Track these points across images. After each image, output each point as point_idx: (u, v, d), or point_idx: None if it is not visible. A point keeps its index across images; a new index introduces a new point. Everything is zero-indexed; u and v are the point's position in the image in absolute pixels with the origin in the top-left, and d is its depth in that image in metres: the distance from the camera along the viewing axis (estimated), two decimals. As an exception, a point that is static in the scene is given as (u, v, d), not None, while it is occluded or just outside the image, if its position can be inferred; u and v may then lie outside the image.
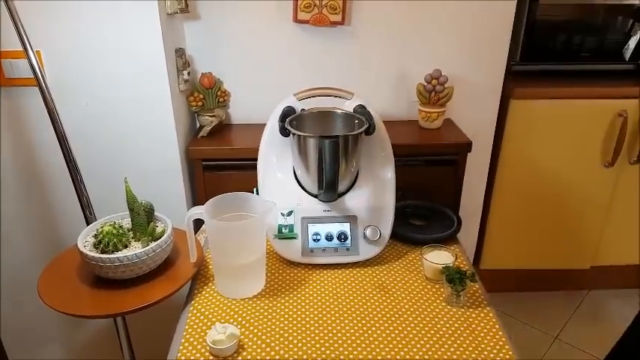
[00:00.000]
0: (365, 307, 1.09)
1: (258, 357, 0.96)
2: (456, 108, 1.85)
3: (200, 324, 1.04)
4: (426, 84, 1.73)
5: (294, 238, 1.23)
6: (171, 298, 1.10)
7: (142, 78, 1.46)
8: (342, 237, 1.23)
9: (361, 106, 1.27)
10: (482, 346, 0.98)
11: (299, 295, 1.13)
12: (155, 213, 1.23)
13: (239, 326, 1.03)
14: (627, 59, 1.94)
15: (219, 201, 1.12)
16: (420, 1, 1.69)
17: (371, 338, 1.00)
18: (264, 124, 1.31)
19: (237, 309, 1.09)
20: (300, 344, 0.99)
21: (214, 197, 1.12)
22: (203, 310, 1.09)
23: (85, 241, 1.14)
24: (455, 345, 0.98)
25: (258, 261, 1.13)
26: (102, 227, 1.14)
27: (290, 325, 1.04)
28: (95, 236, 1.14)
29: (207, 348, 0.96)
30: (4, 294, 1.69)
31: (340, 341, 0.99)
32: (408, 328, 1.02)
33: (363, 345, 0.98)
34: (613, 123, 1.87)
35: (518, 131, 1.91)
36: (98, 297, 1.09)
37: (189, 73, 1.62)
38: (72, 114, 1.45)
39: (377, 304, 1.10)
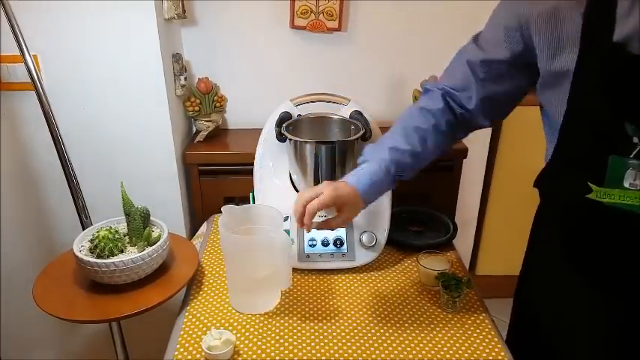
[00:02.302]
0: (361, 312, 1.09)
1: (254, 363, 0.96)
2: (452, 114, 1.85)
3: (195, 329, 1.04)
4: (422, 90, 1.74)
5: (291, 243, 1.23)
6: (167, 302, 1.09)
7: (138, 82, 1.46)
8: (338, 243, 1.23)
9: (357, 112, 1.28)
10: (478, 352, 0.98)
11: (295, 301, 1.13)
12: (151, 218, 1.23)
13: (234, 332, 1.02)
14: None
15: (231, 212, 1.08)
16: (416, 7, 1.70)
17: (367, 344, 1.00)
18: (261, 130, 1.32)
19: (232, 314, 1.08)
20: (295, 350, 0.98)
21: (227, 207, 1.07)
22: (198, 315, 1.08)
23: (80, 245, 1.14)
24: (451, 351, 0.98)
25: (275, 275, 1.10)
26: (98, 232, 1.13)
27: (285, 331, 1.03)
28: (91, 241, 1.13)
29: (203, 353, 0.96)
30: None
31: (336, 347, 0.99)
32: (404, 334, 1.02)
33: (359, 351, 0.98)
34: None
35: (514, 137, 1.92)
36: (94, 302, 1.09)
37: (185, 78, 1.62)
38: (68, 118, 1.44)
39: (373, 309, 1.10)
